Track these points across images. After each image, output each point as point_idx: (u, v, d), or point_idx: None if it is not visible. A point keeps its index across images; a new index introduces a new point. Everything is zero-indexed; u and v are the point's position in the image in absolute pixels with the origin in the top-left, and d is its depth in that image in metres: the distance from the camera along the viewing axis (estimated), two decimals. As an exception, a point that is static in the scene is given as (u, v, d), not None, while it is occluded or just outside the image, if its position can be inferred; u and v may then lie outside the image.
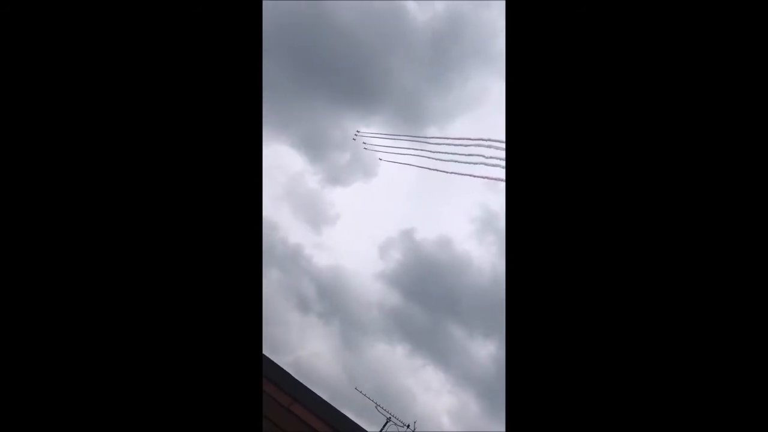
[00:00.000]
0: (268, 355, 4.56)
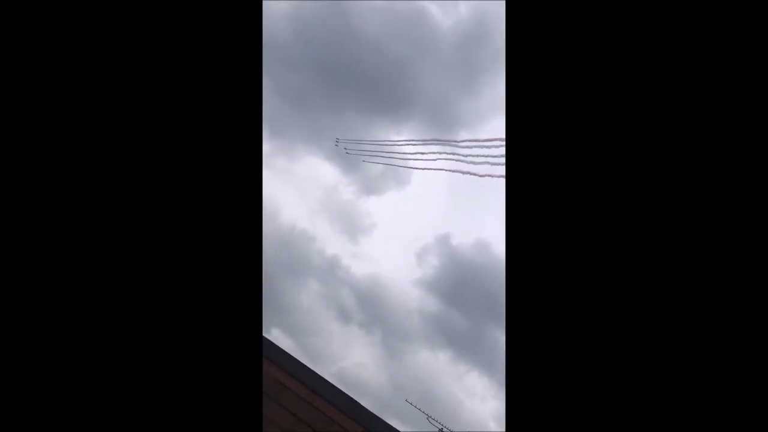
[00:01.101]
0: (311, 366, 4.36)
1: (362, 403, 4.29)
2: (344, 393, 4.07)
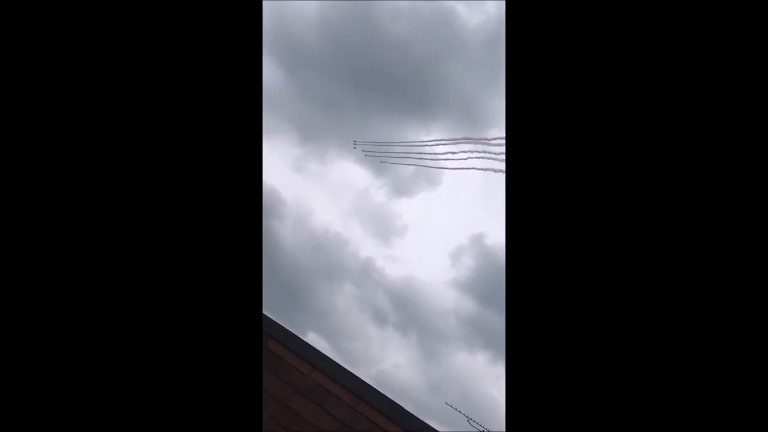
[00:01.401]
0: (349, 368, 4.37)
1: (402, 406, 4.28)
2: (386, 397, 4.06)
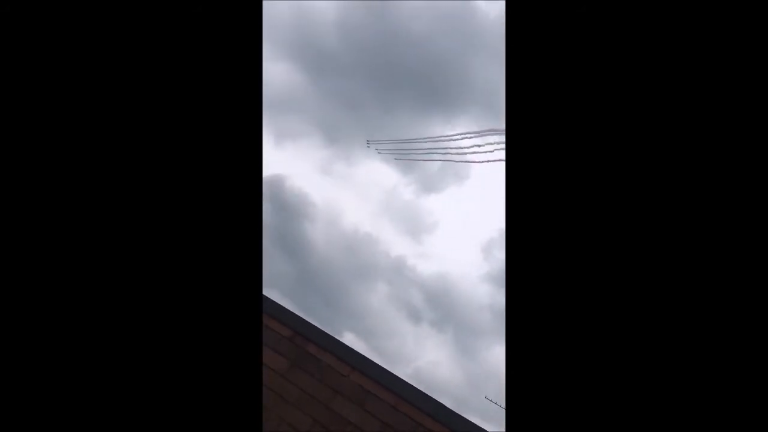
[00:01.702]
0: (386, 367, 4.38)
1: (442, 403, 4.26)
2: (427, 395, 4.05)
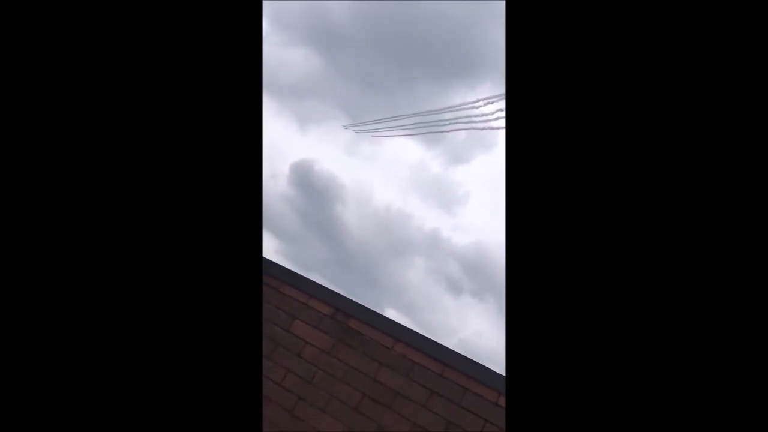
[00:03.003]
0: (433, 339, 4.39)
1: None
2: (472, 360, 4.06)
